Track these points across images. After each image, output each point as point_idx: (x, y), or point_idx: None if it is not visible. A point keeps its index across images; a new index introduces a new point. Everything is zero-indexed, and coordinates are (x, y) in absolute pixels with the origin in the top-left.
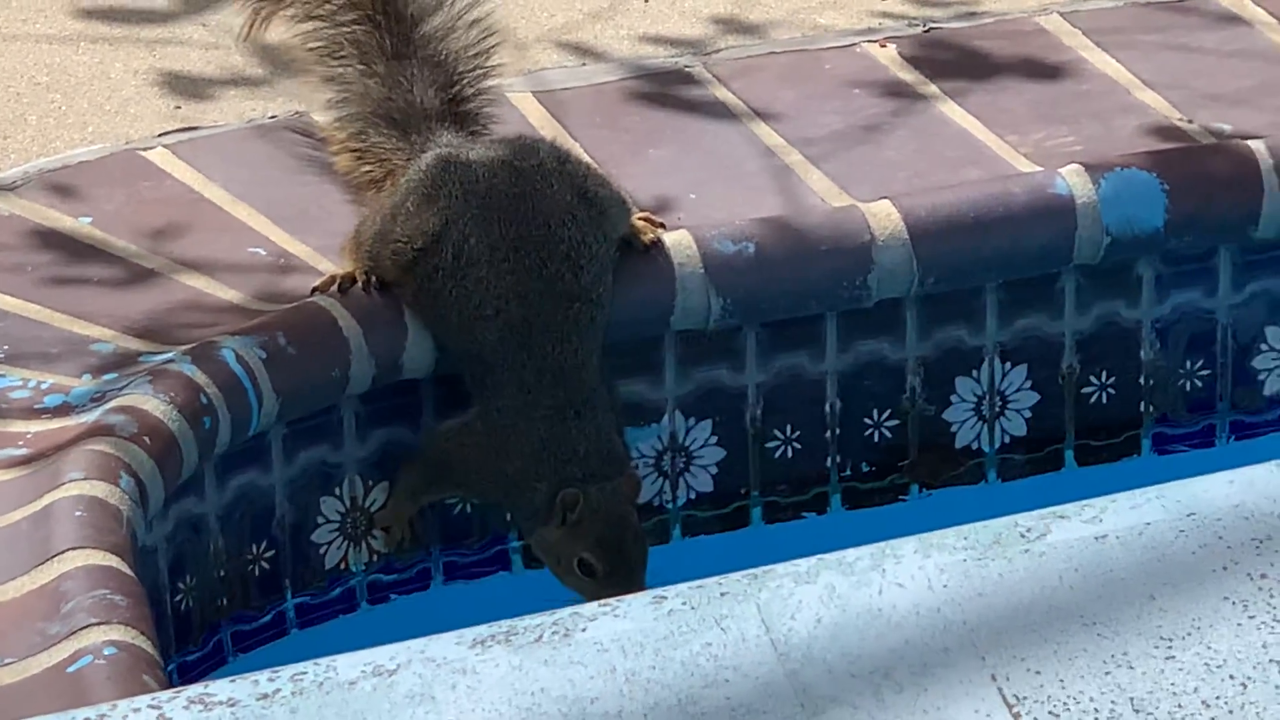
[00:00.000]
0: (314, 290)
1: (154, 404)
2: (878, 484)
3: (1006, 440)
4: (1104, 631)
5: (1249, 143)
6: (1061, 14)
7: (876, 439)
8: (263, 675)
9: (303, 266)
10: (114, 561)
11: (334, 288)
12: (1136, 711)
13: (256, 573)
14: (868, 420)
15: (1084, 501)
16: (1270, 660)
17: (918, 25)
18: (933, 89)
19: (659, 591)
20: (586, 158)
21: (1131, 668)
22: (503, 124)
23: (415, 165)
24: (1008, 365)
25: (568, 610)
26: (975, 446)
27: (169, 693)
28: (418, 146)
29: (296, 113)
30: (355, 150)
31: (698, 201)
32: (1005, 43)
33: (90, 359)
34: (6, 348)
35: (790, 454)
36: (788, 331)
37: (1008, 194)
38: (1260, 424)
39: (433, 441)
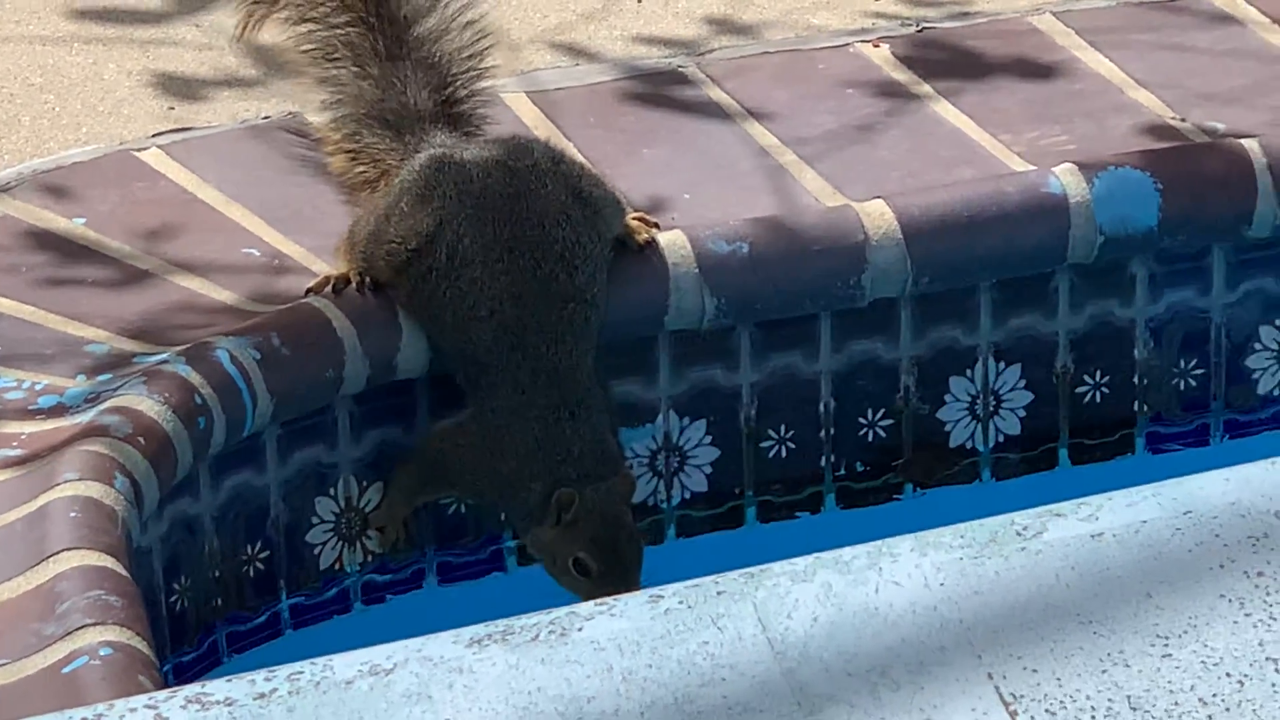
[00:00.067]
0: (308, 291)
1: (148, 405)
2: (872, 483)
3: (1001, 439)
4: (1101, 630)
5: (1242, 142)
6: (1054, 13)
7: (871, 438)
8: (259, 675)
9: (297, 267)
10: (109, 562)
11: (328, 288)
12: (1134, 709)
13: (251, 573)
14: (862, 420)
15: (1080, 500)
16: (1267, 658)
17: (911, 25)
18: (926, 89)
19: (655, 590)
20: (581, 158)
21: (1128, 666)
22: (497, 124)
23: (409, 166)
24: (1002, 364)
25: (564, 609)
26: (969, 446)
27: (165, 692)
28: (412, 147)
29: (290, 113)
30: (349, 151)
31: (692, 201)
32: (998, 42)
33: (85, 360)
34: (1, 349)
35: (784, 453)
36: (782, 331)
37: (1001, 193)
38: (1254, 423)
39: (427, 442)
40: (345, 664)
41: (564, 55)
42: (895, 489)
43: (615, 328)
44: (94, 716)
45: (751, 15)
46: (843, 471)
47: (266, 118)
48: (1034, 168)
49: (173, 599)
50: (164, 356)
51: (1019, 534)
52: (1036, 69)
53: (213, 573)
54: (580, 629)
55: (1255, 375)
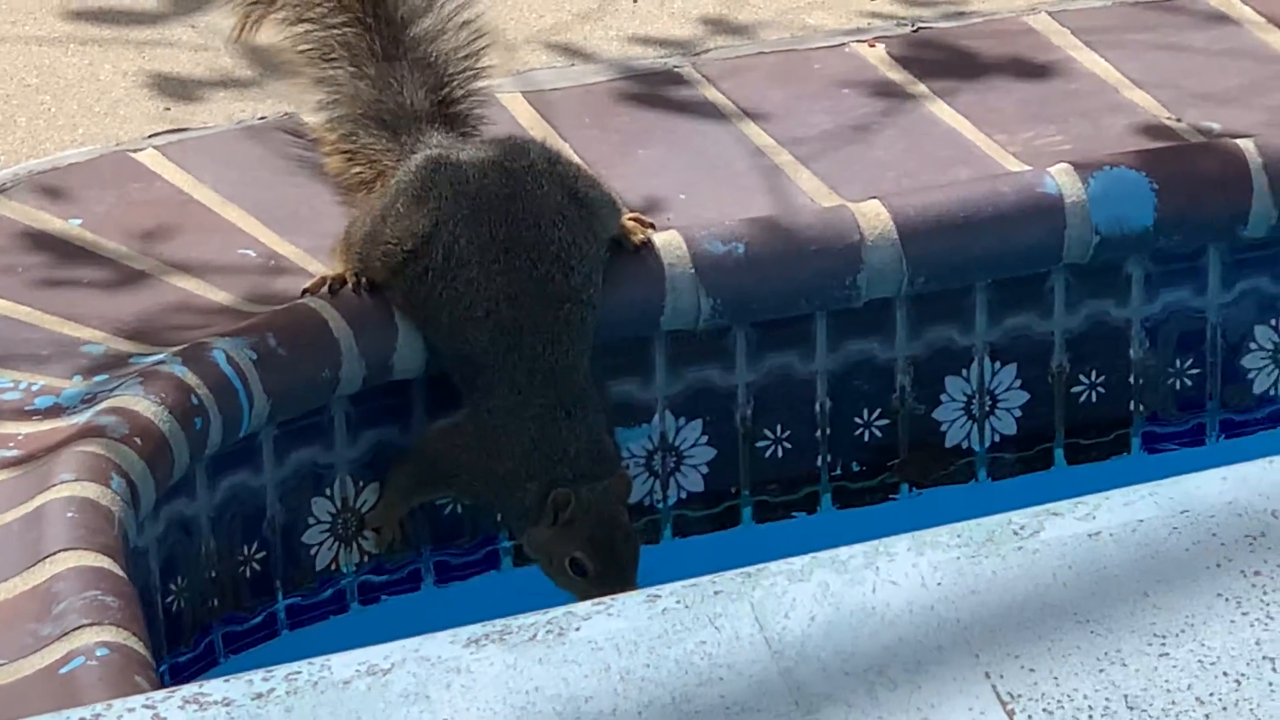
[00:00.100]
0: (304, 291)
1: (145, 405)
2: (868, 483)
3: (996, 439)
4: (1098, 629)
5: (1238, 141)
6: (1050, 13)
7: (867, 438)
8: (257, 675)
9: (293, 268)
10: (105, 563)
11: (324, 289)
12: (1130, 708)
13: (248, 574)
14: (858, 419)
15: (1077, 499)
16: (1264, 657)
17: (906, 25)
18: (921, 88)
19: (653, 590)
20: (576, 158)
21: (1125, 665)
22: (493, 125)
23: (405, 166)
24: (997, 364)
25: (562, 609)
26: (965, 445)
27: (163, 692)
28: (408, 148)
29: (286, 114)
30: (345, 152)
31: (687, 202)
32: (994, 42)
33: (81, 360)
34: None
35: (781, 453)
36: (778, 331)
37: (997, 193)
38: (1250, 422)
39: (423, 442)
40: (343, 664)
41: (560, 55)
42: (891, 489)
43: (611, 328)
44: (92, 717)
45: (747, 15)
46: (839, 471)
47: (262, 118)
48: (1029, 168)
49: (169, 599)
50: (160, 357)
51: (1016, 533)
52: (1032, 69)
53: (209, 573)
54: (578, 629)
55: (1251, 375)
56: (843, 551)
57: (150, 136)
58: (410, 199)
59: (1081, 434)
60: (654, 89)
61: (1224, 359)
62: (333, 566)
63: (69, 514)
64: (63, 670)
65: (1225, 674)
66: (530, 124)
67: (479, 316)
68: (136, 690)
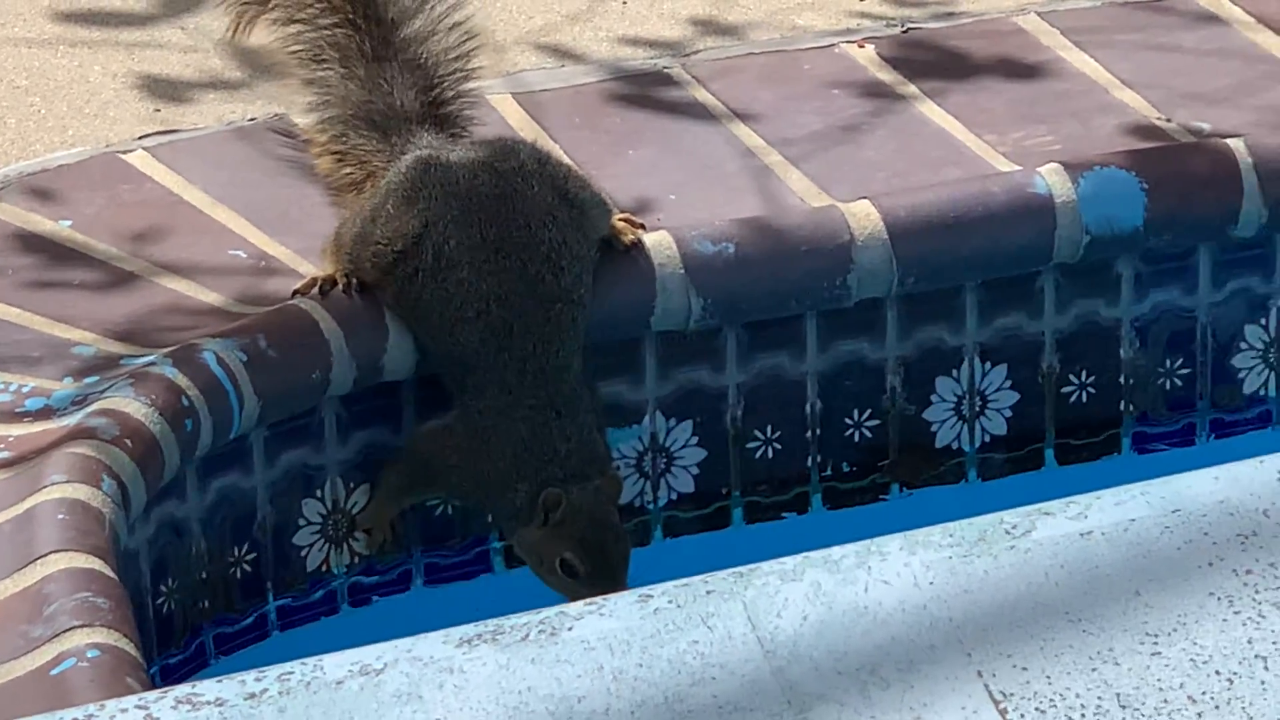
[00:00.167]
0: (295, 293)
1: (135, 407)
2: (858, 484)
3: (987, 440)
4: (1090, 628)
5: (1228, 141)
6: (1039, 14)
7: (857, 439)
8: (250, 675)
9: (283, 269)
10: (96, 564)
11: (315, 290)
12: (1123, 707)
13: (238, 575)
14: (848, 420)
15: (1069, 498)
16: (1255, 655)
17: (896, 26)
18: (911, 89)
19: (645, 590)
20: (566, 159)
21: (1117, 664)
22: (483, 126)
23: (395, 167)
24: (988, 365)
25: (554, 609)
26: (955, 446)
27: (156, 693)
28: (398, 149)
29: (276, 115)
30: (336, 153)
31: (677, 202)
32: (983, 42)
33: (72, 362)
34: None
35: (771, 454)
36: (768, 332)
37: (987, 193)
38: (1240, 422)
39: (414, 443)
40: (335, 664)
41: (549, 56)
42: (882, 489)
43: (602, 328)
44: (85, 717)
45: (736, 16)
46: (829, 472)
47: (252, 119)
48: (1020, 168)
49: (160, 601)
50: (151, 358)
51: (1008, 533)
52: (1022, 69)
53: (200, 575)
54: (570, 628)
55: (1241, 375)
56: (835, 551)
57: (140, 138)
58: (400, 200)
59: (1072, 434)
60: (644, 90)
61: (1214, 359)
62: (323, 568)
63: (60, 515)
64: (54, 672)
65: (1217, 673)
66: (520, 125)
67: (470, 317)
68: (128, 691)
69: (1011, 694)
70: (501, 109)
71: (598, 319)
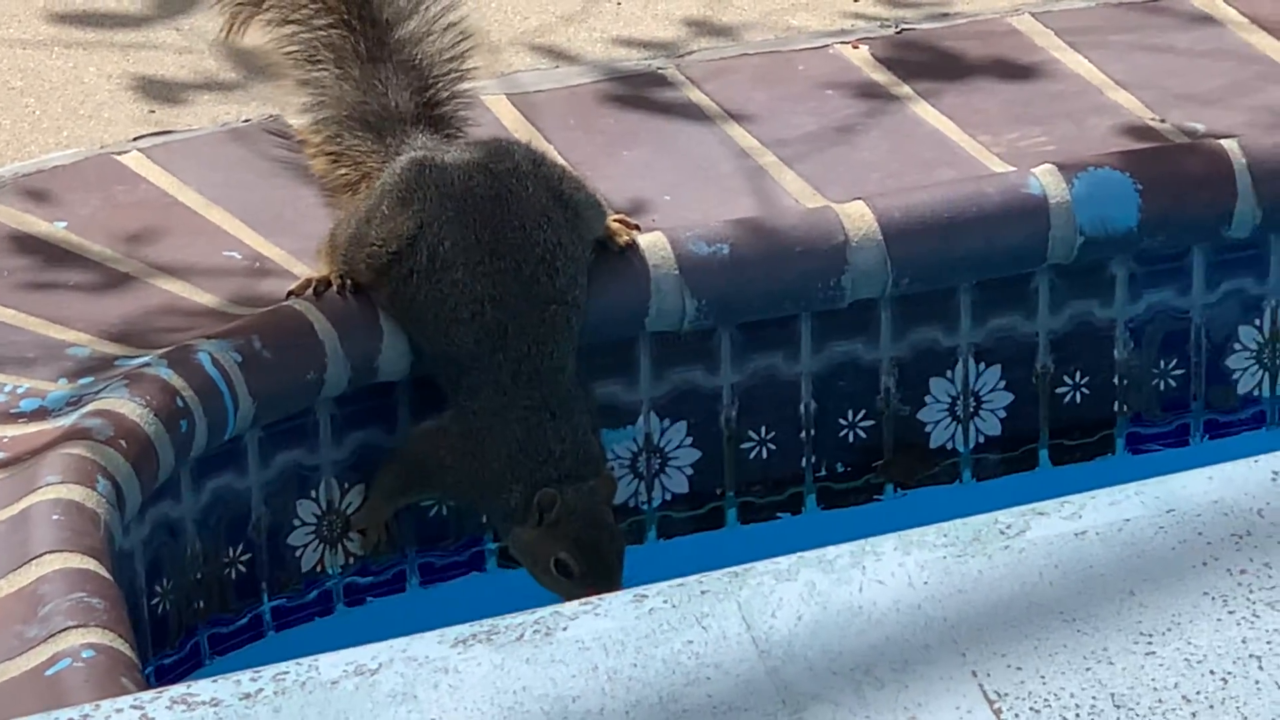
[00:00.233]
0: (289, 294)
1: (130, 408)
2: (853, 484)
3: (981, 440)
4: (1084, 627)
5: (1222, 142)
6: (1033, 14)
7: (851, 439)
8: (245, 675)
9: (278, 270)
10: (91, 565)
11: (309, 291)
12: (1117, 707)
13: (233, 576)
14: (842, 421)
15: (1063, 498)
16: (1250, 655)
17: (890, 26)
18: (906, 90)
19: (640, 590)
20: (561, 160)
21: (1112, 663)
22: (477, 127)
23: (390, 168)
24: (982, 365)
25: (549, 609)
26: (950, 446)
27: (151, 693)
28: (393, 150)
29: (271, 116)
30: (330, 154)
31: (672, 203)
32: (977, 43)
33: (66, 363)
34: None
35: (765, 454)
36: (762, 332)
37: (981, 194)
38: (1234, 423)
39: (409, 444)
40: (331, 664)
41: (544, 57)
42: (876, 490)
43: (596, 329)
44: (80, 717)
45: (731, 17)
46: (823, 472)
47: (247, 120)
48: (1014, 169)
49: (154, 601)
50: (146, 359)
51: (1002, 532)
52: (1016, 70)
53: (195, 575)
54: (565, 628)
55: (1235, 375)
56: (829, 551)
57: (135, 139)
58: (395, 201)
59: (1066, 435)
60: (638, 91)
61: (1208, 359)
62: (318, 568)
63: (54, 516)
64: (48, 672)
65: (1212, 672)
66: (515, 126)
67: (464, 318)
68: (123, 692)
69: (1006, 694)
70: (496, 110)
71: (592, 320)
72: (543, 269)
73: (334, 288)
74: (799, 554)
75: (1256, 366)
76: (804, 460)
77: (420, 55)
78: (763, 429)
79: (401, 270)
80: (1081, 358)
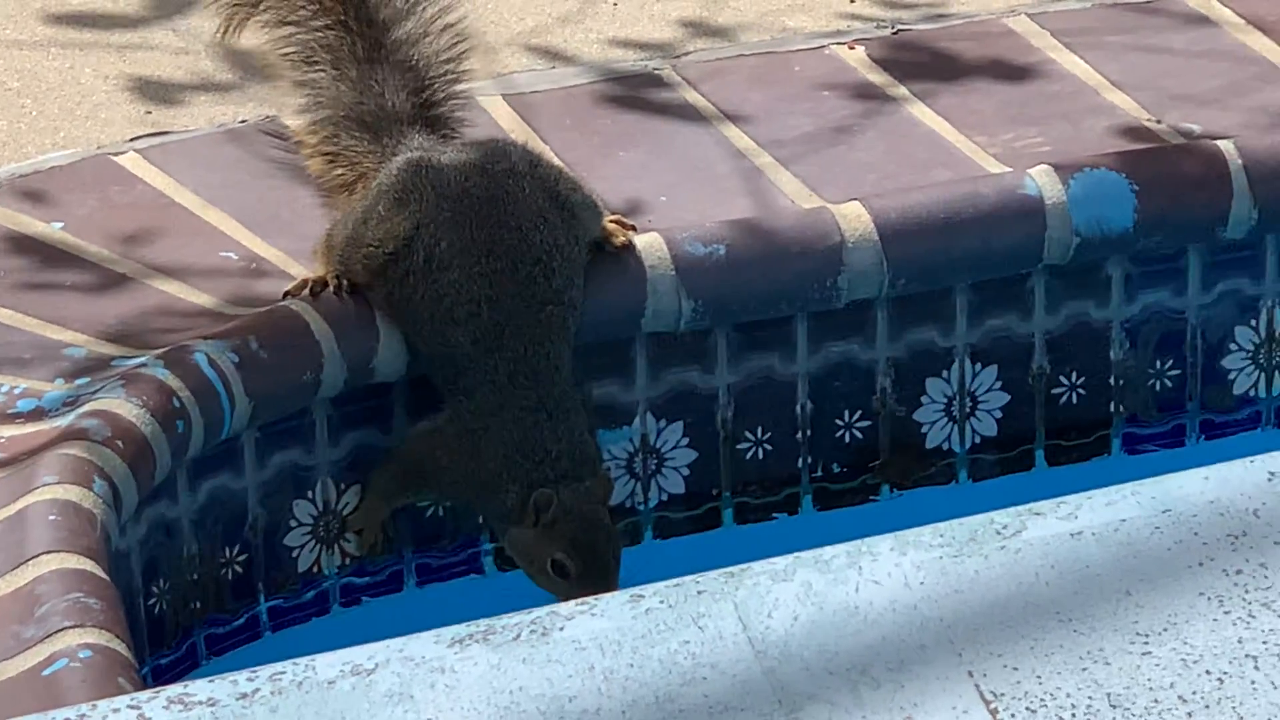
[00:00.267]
0: (286, 294)
1: (127, 408)
2: (849, 484)
3: (977, 440)
4: (1080, 628)
5: (1218, 143)
6: (1029, 15)
7: (848, 440)
8: (242, 675)
9: (274, 270)
10: (88, 565)
11: (306, 291)
12: (1113, 707)
13: (230, 576)
14: (839, 421)
15: (1060, 498)
16: (1246, 655)
17: (886, 27)
18: (902, 91)
19: (636, 590)
20: (557, 161)
21: (1108, 663)
22: (473, 128)
23: (386, 169)
24: (978, 366)
25: (546, 609)
26: (946, 447)
27: (148, 693)
28: (389, 150)
29: (267, 117)
30: (327, 154)
31: (668, 204)
32: (973, 44)
33: (63, 364)
34: None
35: (761, 455)
36: (759, 333)
37: (977, 195)
38: (1230, 423)
39: (405, 444)
40: (327, 664)
41: (540, 58)
42: (872, 490)
43: (592, 330)
44: (77, 717)
45: (727, 18)
46: (820, 473)
47: (244, 121)
48: (1010, 169)
49: (151, 602)
50: (142, 360)
51: (999, 533)
52: (1012, 71)
53: (191, 575)
54: (562, 628)
55: (1231, 376)
56: (826, 551)
57: (131, 140)
58: (391, 201)
59: (1062, 435)
60: (634, 91)
61: (1204, 360)
62: (315, 569)
63: (51, 517)
64: (45, 672)
65: (1208, 672)
66: (511, 127)
67: (461, 319)
68: (120, 692)
69: (1002, 694)
70: (492, 111)
71: (589, 320)
72: (539, 270)
73: (330, 288)
74: (795, 554)
75: (1252, 367)
76: (800, 461)
77: (417, 56)
78: (759, 429)
79: (398, 271)
80: (1077, 358)
